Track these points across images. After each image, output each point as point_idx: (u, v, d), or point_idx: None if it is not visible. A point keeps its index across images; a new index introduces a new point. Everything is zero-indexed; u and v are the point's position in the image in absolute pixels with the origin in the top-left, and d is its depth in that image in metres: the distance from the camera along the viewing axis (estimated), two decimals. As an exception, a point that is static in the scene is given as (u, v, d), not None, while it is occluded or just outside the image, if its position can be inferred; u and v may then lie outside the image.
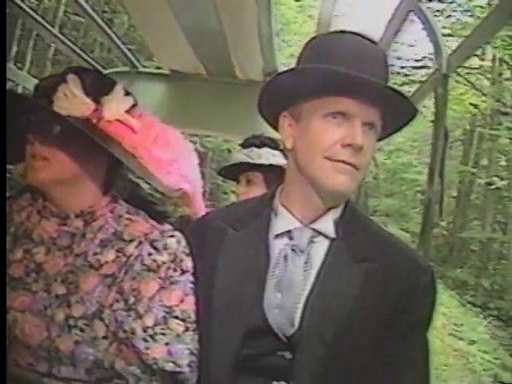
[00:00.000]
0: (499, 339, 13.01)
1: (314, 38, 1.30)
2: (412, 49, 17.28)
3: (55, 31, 3.43)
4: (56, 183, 1.26)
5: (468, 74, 15.67)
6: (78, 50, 3.56)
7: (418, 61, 17.17)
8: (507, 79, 17.45)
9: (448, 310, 12.70)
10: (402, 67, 16.54)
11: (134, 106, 1.31)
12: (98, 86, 1.27)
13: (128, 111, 1.28)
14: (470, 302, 15.09)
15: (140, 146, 1.25)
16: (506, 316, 14.61)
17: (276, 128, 1.31)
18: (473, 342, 11.86)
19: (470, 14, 15.37)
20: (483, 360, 11.16)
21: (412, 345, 1.22)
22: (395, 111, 1.21)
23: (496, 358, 11.48)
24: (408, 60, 17.28)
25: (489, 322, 13.92)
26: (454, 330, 12.05)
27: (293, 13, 16.74)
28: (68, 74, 1.25)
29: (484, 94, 16.93)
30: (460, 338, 11.87)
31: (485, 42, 2.32)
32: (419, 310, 1.23)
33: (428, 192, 2.35)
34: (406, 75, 16.53)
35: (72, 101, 1.22)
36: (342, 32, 1.25)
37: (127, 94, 1.31)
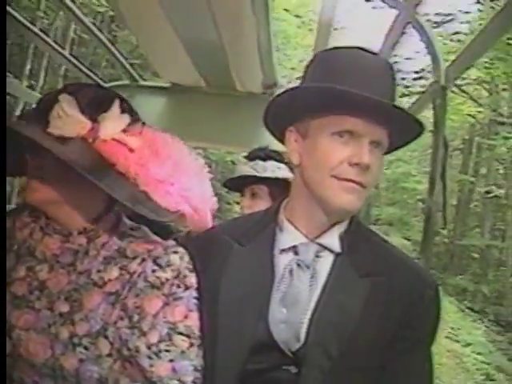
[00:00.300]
0: (497, 344, 13.12)
1: (319, 54, 1.27)
2: (411, 61, 17.41)
3: (65, 52, 3.47)
4: (53, 203, 1.22)
5: (467, 84, 15.70)
6: (85, 69, 3.57)
7: (417, 73, 17.30)
8: (504, 89, 17.47)
9: (447, 315, 12.70)
10: (403, 79, 16.60)
11: (133, 122, 1.26)
12: (96, 104, 1.22)
13: (126, 129, 1.23)
14: (468, 308, 15.08)
15: (137, 166, 1.20)
16: (505, 321, 14.72)
17: (282, 141, 1.28)
18: (468, 345, 11.91)
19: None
20: (476, 360, 11.23)
21: (416, 358, 1.20)
22: (402, 129, 1.19)
23: (491, 360, 11.47)
24: (408, 72, 17.41)
25: (486, 327, 13.90)
26: (451, 334, 12.07)
27: (293, 28, 16.80)
28: (61, 93, 1.21)
29: (480, 105, 16.97)
30: (456, 341, 11.91)
31: (483, 53, 2.29)
32: (424, 323, 1.21)
33: (428, 201, 2.32)
34: (407, 87, 16.60)
35: (66, 121, 1.18)
36: (348, 48, 1.22)
37: (126, 110, 1.25)
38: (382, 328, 1.16)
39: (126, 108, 1.26)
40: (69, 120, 1.18)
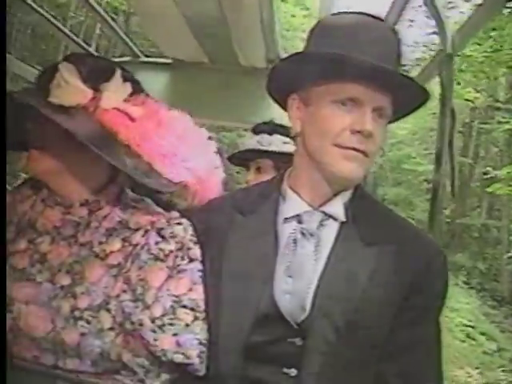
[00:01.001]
0: (492, 317, 13.18)
1: (322, 19, 1.19)
2: (409, 48, 17.49)
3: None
4: (55, 173, 1.16)
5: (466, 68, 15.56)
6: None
7: (417, 59, 17.32)
8: (502, 75, 17.29)
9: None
10: (403, 65, 16.65)
11: (136, 92, 1.19)
12: (98, 73, 1.16)
13: (128, 98, 1.16)
14: (465, 283, 15.17)
15: (139, 136, 1.13)
16: (501, 296, 14.88)
17: (285, 108, 1.21)
18: (455, 310, 12.02)
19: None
20: (460, 323, 11.40)
21: (424, 328, 1.13)
22: (406, 96, 1.11)
23: (477, 326, 11.68)
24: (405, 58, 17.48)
25: (481, 301, 13.95)
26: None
27: (299, 19, 16.60)
28: (62, 62, 1.14)
29: (478, 91, 16.85)
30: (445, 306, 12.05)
31: (488, 20, 2.19)
32: (431, 293, 1.14)
33: (436, 176, 2.22)
34: (405, 71, 16.64)
35: (66, 89, 1.11)
36: (354, 13, 1.14)
37: (128, 79, 1.19)
38: (389, 297, 1.10)
39: (128, 77, 1.20)
40: (70, 89, 1.12)
